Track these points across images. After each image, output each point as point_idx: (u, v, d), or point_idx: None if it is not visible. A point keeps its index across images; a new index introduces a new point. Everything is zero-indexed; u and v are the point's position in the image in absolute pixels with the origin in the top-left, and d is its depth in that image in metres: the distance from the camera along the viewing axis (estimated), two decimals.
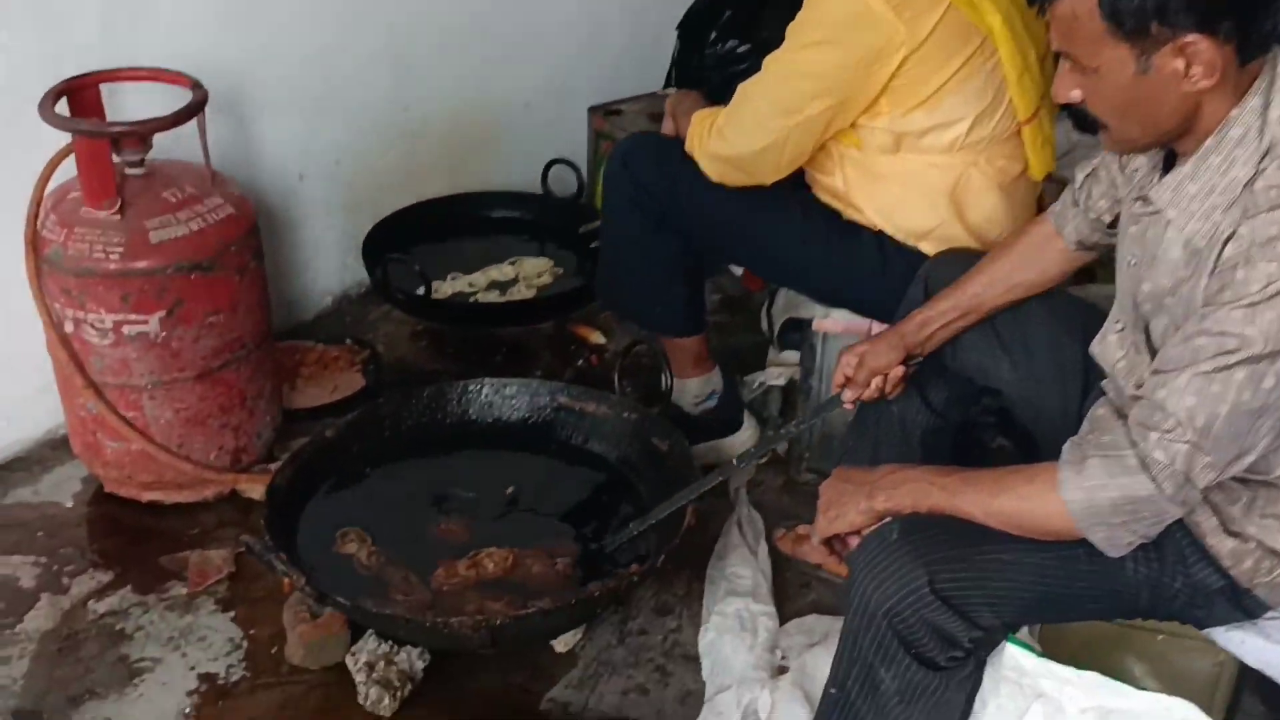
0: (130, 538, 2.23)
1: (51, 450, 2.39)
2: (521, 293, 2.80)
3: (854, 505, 1.58)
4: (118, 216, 2.03)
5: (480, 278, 2.86)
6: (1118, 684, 1.47)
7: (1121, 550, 1.38)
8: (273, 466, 2.30)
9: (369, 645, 1.91)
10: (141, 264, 2.02)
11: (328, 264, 2.93)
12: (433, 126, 3.03)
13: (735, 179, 2.04)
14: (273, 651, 1.98)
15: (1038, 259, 1.75)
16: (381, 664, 1.88)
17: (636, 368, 2.47)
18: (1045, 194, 2.16)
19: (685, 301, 2.28)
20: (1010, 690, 1.52)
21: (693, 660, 2.00)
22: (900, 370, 1.81)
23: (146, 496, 2.27)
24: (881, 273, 2.03)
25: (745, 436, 2.41)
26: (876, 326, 2.10)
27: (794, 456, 2.41)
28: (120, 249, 2.01)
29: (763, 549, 2.20)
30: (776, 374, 2.47)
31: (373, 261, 2.76)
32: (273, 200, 2.72)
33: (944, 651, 1.44)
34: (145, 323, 2.07)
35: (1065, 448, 1.40)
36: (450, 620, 1.79)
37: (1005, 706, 1.52)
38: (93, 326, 2.05)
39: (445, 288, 2.81)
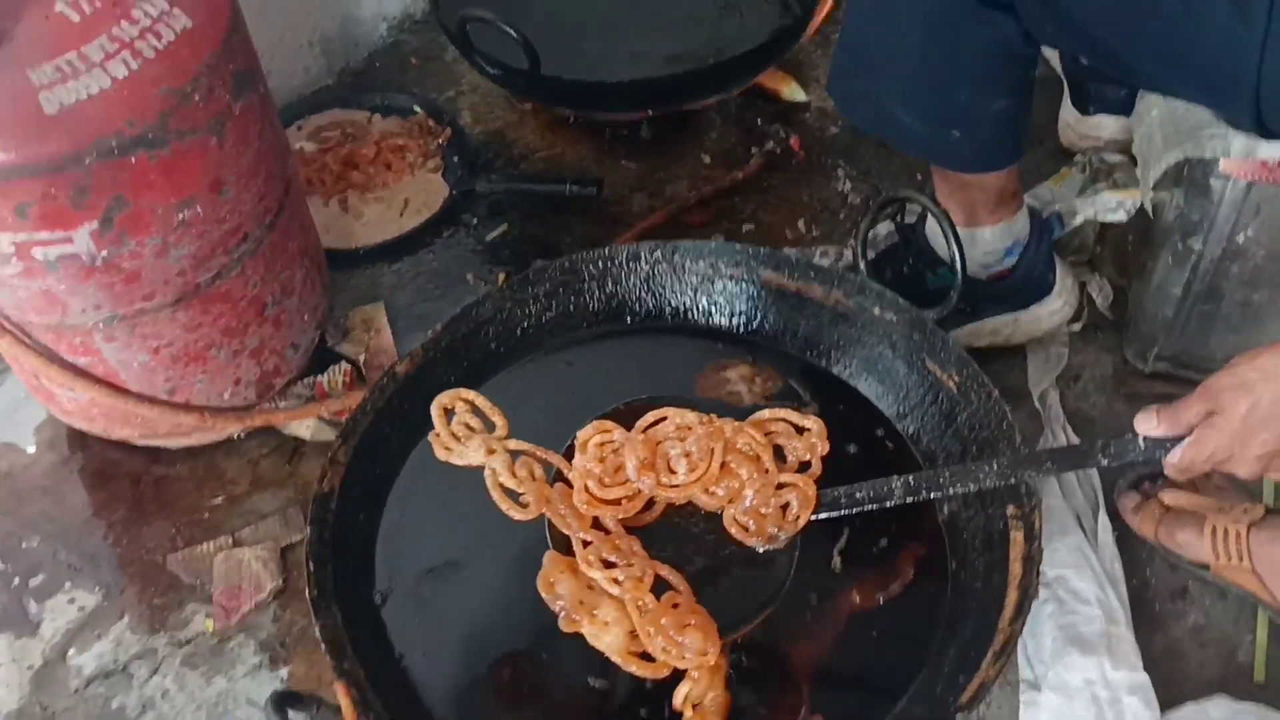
0: (121, 514, 1.48)
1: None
2: None
3: None
4: None
5: None
6: None
7: None
8: (321, 381, 1.50)
9: None
10: (33, 151, 1.12)
11: None
12: None
13: None
14: None
15: None
16: None
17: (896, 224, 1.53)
18: None
19: (1002, 119, 1.31)
20: None
21: None
22: None
23: (140, 440, 1.49)
24: None
25: (1058, 305, 1.51)
26: None
27: (1134, 325, 1.51)
28: None
29: (1102, 520, 1.37)
30: (1109, 201, 1.50)
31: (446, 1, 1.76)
32: None
33: None
34: (68, 240, 1.19)
35: None
36: None
37: None
38: None
39: None
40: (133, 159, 1.16)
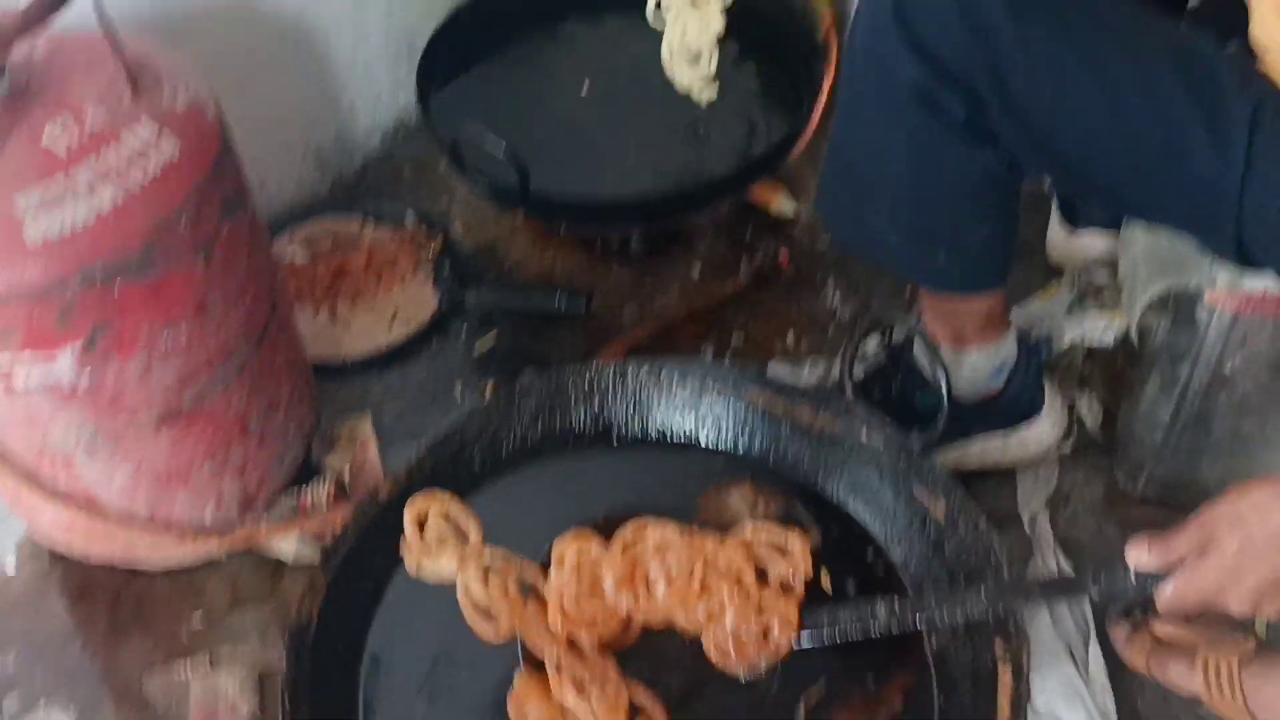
0: (100, 632, 1.45)
1: None
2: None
3: None
4: None
5: None
6: None
7: None
8: (304, 495, 1.48)
9: None
10: (17, 279, 1.11)
11: (370, 86, 1.96)
12: None
13: None
14: None
15: None
16: None
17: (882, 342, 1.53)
18: None
19: (987, 242, 1.32)
20: None
21: None
22: None
23: (120, 559, 1.47)
24: None
25: (1047, 426, 1.50)
26: None
27: (1123, 448, 1.51)
28: None
29: (1093, 650, 1.35)
30: (1097, 324, 1.50)
31: (439, 114, 1.78)
32: (272, 8, 1.74)
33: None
34: (50, 364, 1.18)
35: None
36: None
37: None
38: None
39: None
40: (117, 285, 1.16)
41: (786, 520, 1.24)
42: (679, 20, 1.48)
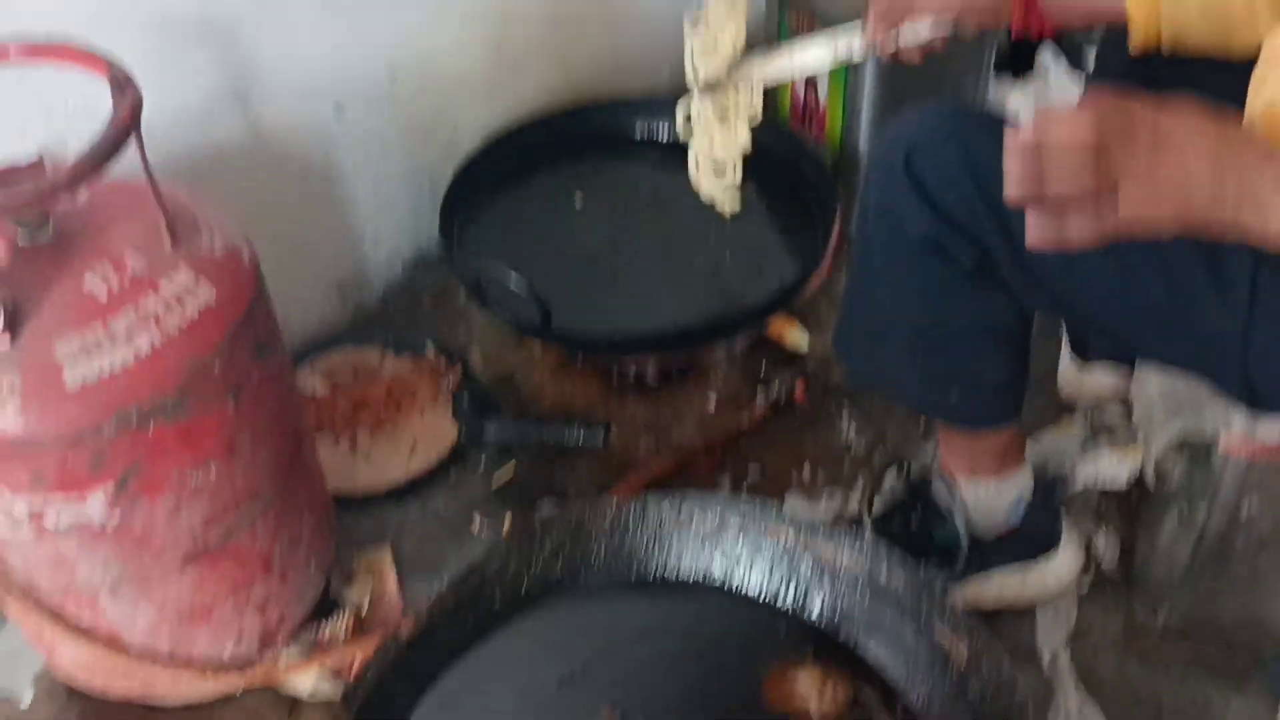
0: None
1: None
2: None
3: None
4: (4, 345, 1.13)
5: None
6: None
7: None
8: (322, 630, 1.48)
9: None
10: (53, 424, 1.13)
11: (392, 219, 2.01)
12: (531, 3, 2.02)
13: None
14: None
15: None
16: None
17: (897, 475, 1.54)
18: None
19: (1000, 381, 1.35)
20: None
21: None
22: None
23: (138, 697, 1.47)
24: None
25: (1065, 560, 1.51)
26: None
27: (1142, 584, 1.51)
28: (14, 401, 1.12)
29: None
30: (1110, 461, 1.52)
31: (460, 249, 1.82)
32: (299, 150, 1.79)
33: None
34: (81, 503, 1.20)
35: None
36: None
37: None
38: None
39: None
40: (151, 428, 1.18)
41: (854, 705, 1.26)
42: (706, 133, 1.55)
